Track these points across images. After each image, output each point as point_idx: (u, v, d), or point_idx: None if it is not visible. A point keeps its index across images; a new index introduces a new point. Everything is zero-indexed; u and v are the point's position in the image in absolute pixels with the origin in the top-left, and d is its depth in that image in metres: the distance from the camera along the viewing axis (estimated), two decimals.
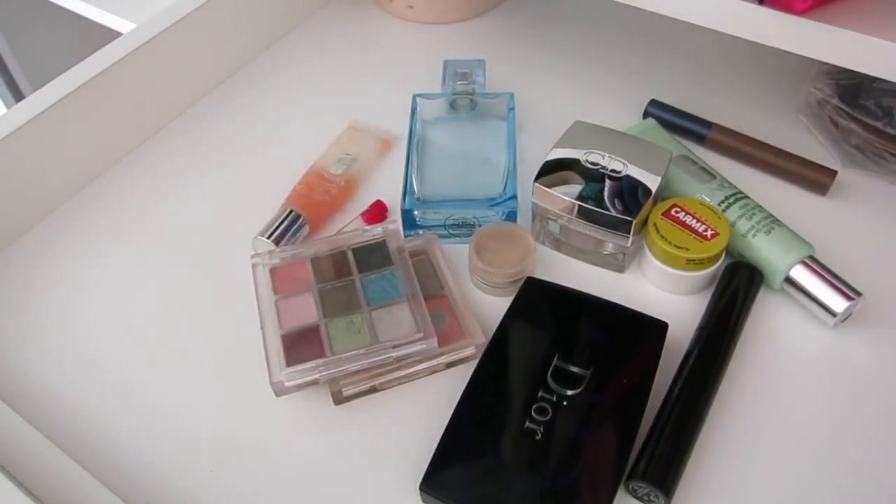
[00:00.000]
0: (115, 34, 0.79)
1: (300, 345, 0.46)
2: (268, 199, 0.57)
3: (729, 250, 0.52)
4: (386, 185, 0.60)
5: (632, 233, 0.50)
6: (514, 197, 0.53)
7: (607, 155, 0.52)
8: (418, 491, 0.41)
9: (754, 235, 0.51)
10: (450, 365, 0.48)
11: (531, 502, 0.40)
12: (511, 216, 0.54)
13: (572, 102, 0.66)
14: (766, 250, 0.50)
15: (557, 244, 0.55)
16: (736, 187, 0.54)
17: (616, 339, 0.46)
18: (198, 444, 0.46)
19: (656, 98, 0.63)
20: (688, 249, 0.49)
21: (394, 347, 0.46)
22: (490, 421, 0.43)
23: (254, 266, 0.51)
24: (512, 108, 0.59)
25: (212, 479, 0.45)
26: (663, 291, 0.52)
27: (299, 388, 0.46)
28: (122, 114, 0.63)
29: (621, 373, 0.44)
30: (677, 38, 0.71)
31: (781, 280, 0.50)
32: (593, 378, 0.44)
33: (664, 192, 0.54)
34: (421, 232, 0.55)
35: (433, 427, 0.43)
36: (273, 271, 0.51)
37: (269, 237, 0.54)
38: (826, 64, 0.59)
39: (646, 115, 0.62)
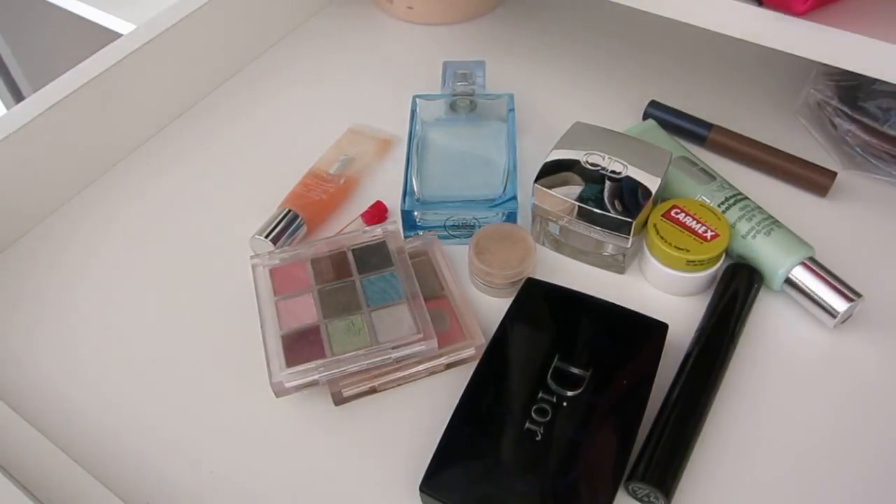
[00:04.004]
0: (115, 35, 0.79)
1: (300, 346, 0.46)
2: (268, 202, 0.57)
3: (729, 251, 0.52)
4: (386, 187, 0.60)
5: (632, 234, 0.50)
6: (514, 198, 0.53)
7: (607, 156, 0.52)
8: (418, 492, 0.41)
9: (754, 237, 0.51)
10: (450, 366, 0.48)
11: (531, 503, 0.40)
12: (511, 217, 0.54)
13: (572, 103, 0.66)
14: (766, 251, 0.50)
15: (557, 245, 0.55)
16: (736, 188, 0.54)
17: (616, 340, 0.46)
18: (198, 445, 0.46)
19: (656, 99, 0.63)
20: (688, 251, 0.49)
21: (393, 348, 0.46)
22: (490, 422, 0.43)
23: (254, 267, 0.51)
24: (512, 110, 0.59)
25: (212, 479, 0.45)
26: (663, 292, 0.52)
27: (299, 388, 0.46)
28: (122, 115, 0.63)
29: (621, 374, 0.44)
30: (677, 39, 0.71)
31: (781, 281, 0.50)
32: (593, 379, 0.44)
33: (664, 194, 0.54)
34: (421, 233, 0.55)
35: (433, 428, 0.43)
36: (273, 272, 0.51)
37: (266, 236, 0.54)
38: (826, 65, 0.59)
39: (645, 116, 0.62)
